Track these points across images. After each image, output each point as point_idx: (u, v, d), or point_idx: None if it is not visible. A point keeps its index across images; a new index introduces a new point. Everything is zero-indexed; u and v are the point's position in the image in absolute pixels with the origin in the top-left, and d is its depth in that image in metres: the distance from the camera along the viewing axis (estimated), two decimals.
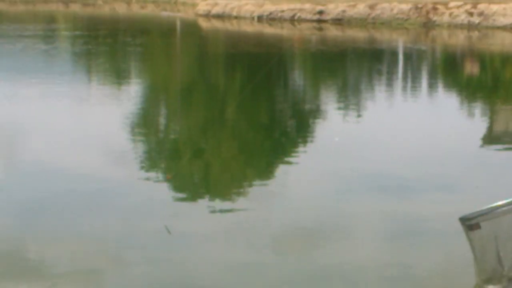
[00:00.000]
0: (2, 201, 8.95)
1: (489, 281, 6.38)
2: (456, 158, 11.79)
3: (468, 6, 30.11)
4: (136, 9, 42.03)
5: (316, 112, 15.86)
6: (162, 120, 15.43)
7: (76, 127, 13.75)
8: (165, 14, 39.52)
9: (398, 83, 20.10)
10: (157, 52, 26.40)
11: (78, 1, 46.66)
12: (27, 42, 26.48)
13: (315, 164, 11.60)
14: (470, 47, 26.19)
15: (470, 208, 6.49)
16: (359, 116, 15.47)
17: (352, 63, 22.92)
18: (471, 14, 29.63)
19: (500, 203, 6.19)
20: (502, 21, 28.93)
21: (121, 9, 41.98)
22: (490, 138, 13.66)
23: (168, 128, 14.55)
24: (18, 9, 42.30)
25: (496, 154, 12.37)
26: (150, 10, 41.19)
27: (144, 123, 14.74)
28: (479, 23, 29.09)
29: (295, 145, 13.06)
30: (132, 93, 18.26)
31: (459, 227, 6.41)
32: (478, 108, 17.05)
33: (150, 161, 11.79)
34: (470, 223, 6.23)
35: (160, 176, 10.91)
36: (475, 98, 18.06)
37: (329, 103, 17.08)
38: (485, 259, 6.36)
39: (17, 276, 6.80)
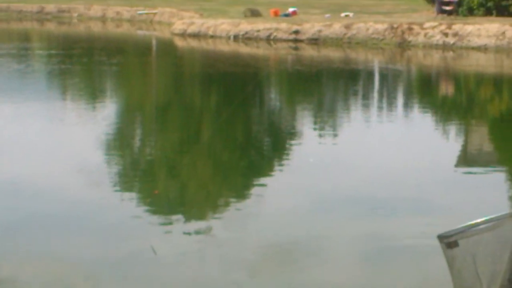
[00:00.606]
0: None
1: None
2: (431, 178, 11.86)
3: (443, 27, 30.28)
4: (111, 28, 41.96)
5: (292, 133, 15.91)
6: (137, 140, 15.43)
7: (50, 147, 13.72)
8: (141, 33, 39.53)
9: (374, 103, 20.18)
10: (133, 71, 26.40)
11: (53, 20, 46.46)
12: (0, 61, 26.36)
13: (290, 185, 11.66)
14: (445, 68, 26.31)
15: (445, 228, 6.52)
16: (335, 136, 15.53)
17: (328, 83, 23.01)
18: (446, 34, 29.79)
19: (478, 220, 6.24)
20: (477, 41, 29.11)
21: (96, 27, 41.92)
22: (465, 159, 13.77)
23: (143, 148, 14.57)
24: None
25: (470, 175, 12.46)
26: (125, 29, 41.15)
27: (120, 143, 14.74)
28: (453, 44, 29.26)
29: (270, 165, 13.09)
30: (107, 113, 18.24)
31: (435, 247, 6.44)
32: (453, 128, 17.14)
33: (125, 181, 11.78)
34: (448, 241, 6.28)
35: (134, 196, 10.91)
36: (450, 119, 18.15)
37: (305, 123, 17.14)
38: (463, 277, 6.42)
39: None
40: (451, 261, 6.31)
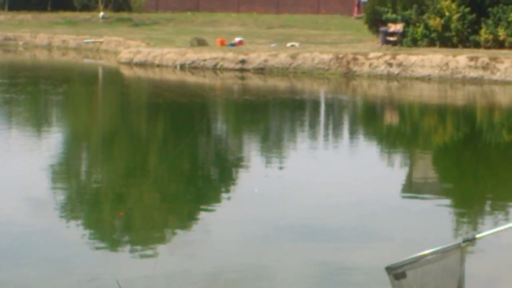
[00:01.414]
0: None
1: None
2: (377, 206, 11.94)
3: (387, 57, 30.58)
4: (57, 56, 41.75)
5: (238, 163, 15.95)
6: (83, 169, 15.34)
7: None
8: (87, 61, 39.38)
9: (320, 133, 20.28)
10: (78, 100, 26.29)
11: None
12: None
13: (236, 214, 11.68)
14: (390, 97, 26.57)
15: (392, 255, 6.58)
16: (281, 166, 15.57)
17: (274, 113, 23.09)
18: (390, 65, 30.10)
19: (426, 252, 6.32)
20: (420, 72, 29.46)
21: (42, 56, 41.66)
22: (410, 186, 13.88)
23: (89, 177, 14.49)
24: None
25: (416, 202, 12.60)
26: (71, 57, 40.95)
27: (65, 172, 14.66)
28: (398, 74, 29.59)
29: (216, 195, 13.15)
30: (53, 142, 18.12)
31: (382, 276, 6.50)
32: (398, 157, 17.31)
33: (70, 210, 11.71)
34: (396, 272, 6.36)
35: (79, 224, 10.88)
36: (395, 148, 18.31)
37: (252, 153, 17.18)
38: None
39: None
40: None
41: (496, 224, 10.06)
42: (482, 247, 9.18)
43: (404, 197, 12.83)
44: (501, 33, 33.35)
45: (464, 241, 6.43)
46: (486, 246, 9.17)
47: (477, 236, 7.02)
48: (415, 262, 6.35)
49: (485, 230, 8.48)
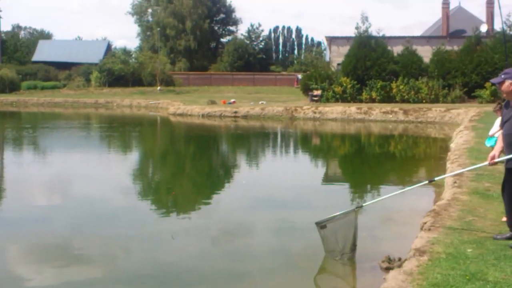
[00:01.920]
0: None
1: (332, 254, 6.53)
2: (309, 189, 11.95)
3: (313, 108, 30.78)
4: (135, 111, 41.57)
5: (234, 167, 15.95)
6: (151, 171, 15.30)
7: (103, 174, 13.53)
8: (151, 114, 39.19)
9: (278, 150, 20.33)
10: (147, 134, 26.24)
11: (102, 107, 46.02)
12: (71, 130, 26.11)
13: (234, 193, 11.65)
14: (315, 130, 26.59)
15: (318, 216, 6.59)
16: (257, 169, 15.57)
17: (253, 139, 23.11)
18: (315, 112, 30.24)
19: (337, 213, 6.36)
20: (331, 116, 29.59)
21: (126, 111, 41.47)
22: (327, 178, 13.88)
23: (154, 176, 14.44)
24: (69, 112, 41.54)
25: (330, 187, 12.60)
26: (143, 112, 40.80)
27: (140, 173, 14.61)
28: (319, 117, 29.69)
29: (223, 184, 13.17)
30: (134, 157, 18.18)
31: (313, 226, 6.53)
32: (319, 162, 17.34)
33: (144, 194, 11.68)
34: (321, 225, 6.39)
35: (148, 199, 10.85)
36: (318, 157, 18.37)
37: (241, 161, 17.19)
38: (329, 243, 6.52)
39: None
40: (322, 236, 6.47)
41: (374, 197, 10.09)
42: (368, 210, 9.25)
43: (323, 184, 12.88)
44: (374, 94, 33.58)
45: (357, 207, 6.48)
46: (370, 209, 9.26)
47: (364, 204, 7.07)
48: (331, 219, 6.42)
49: (368, 201, 8.50)
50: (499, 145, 5.92)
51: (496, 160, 5.88)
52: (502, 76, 5.67)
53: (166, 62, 68.36)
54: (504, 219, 6.07)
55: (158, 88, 56.09)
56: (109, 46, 79.25)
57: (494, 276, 4.68)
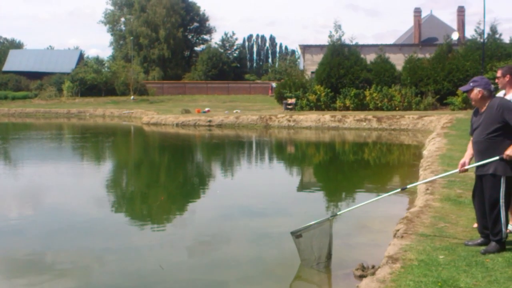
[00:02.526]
0: None
1: (307, 263, 6.56)
2: (285, 198, 11.99)
3: (287, 116, 30.93)
4: (108, 121, 41.22)
5: (209, 177, 15.92)
6: (125, 182, 15.17)
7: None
8: (124, 123, 38.96)
9: (253, 158, 20.34)
10: (120, 145, 26.02)
11: (74, 117, 45.66)
12: (43, 141, 25.75)
13: (209, 203, 11.63)
14: (290, 138, 26.69)
15: (294, 224, 6.61)
16: (232, 177, 15.57)
17: (228, 148, 23.09)
18: (289, 120, 30.37)
19: (312, 222, 6.42)
20: (305, 124, 29.76)
21: (99, 121, 41.10)
22: (302, 186, 13.93)
23: (128, 187, 14.32)
24: (41, 122, 41.01)
25: (305, 194, 12.64)
26: (116, 121, 40.49)
27: (114, 184, 14.47)
28: (293, 125, 29.83)
29: (198, 194, 13.10)
30: (107, 167, 17.97)
31: (290, 235, 6.55)
32: (295, 170, 17.40)
33: (118, 204, 11.60)
34: (296, 234, 6.43)
35: (124, 210, 10.77)
36: (293, 164, 18.44)
37: (216, 170, 17.16)
38: (305, 252, 6.54)
39: None
40: (298, 245, 6.49)
41: (349, 205, 10.15)
42: (343, 218, 9.32)
43: (298, 192, 12.93)
44: (348, 102, 33.86)
45: (331, 216, 6.53)
46: (345, 217, 9.33)
47: (338, 213, 7.12)
48: (306, 228, 6.46)
49: (343, 209, 8.57)
50: (469, 152, 6.04)
51: (467, 167, 6.00)
52: (471, 84, 5.80)
53: (140, 71, 68.17)
54: (475, 225, 6.18)
55: (132, 97, 55.79)
56: (81, 55, 78.54)
57: (466, 282, 4.76)
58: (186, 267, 6.87)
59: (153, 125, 33.59)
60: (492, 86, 5.88)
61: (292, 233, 6.51)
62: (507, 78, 6.36)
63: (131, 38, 75.07)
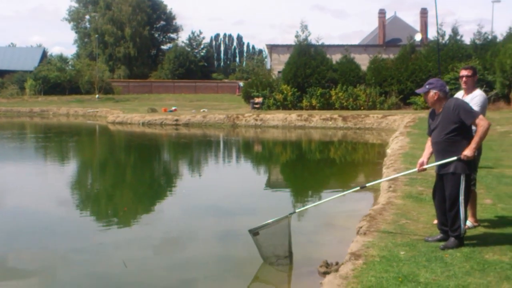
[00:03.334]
0: None
1: (268, 261, 6.60)
2: (252, 196, 12.05)
3: (255, 116, 30.97)
4: (72, 120, 40.56)
5: (176, 176, 15.89)
6: (90, 182, 15.02)
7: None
8: (89, 122, 38.41)
9: (220, 157, 20.35)
10: (85, 144, 25.69)
11: (37, 116, 44.76)
12: (3, 141, 25.21)
13: (175, 202, 11.61)
14: (257, 137, 26.75)
15: (261, 221, 6.68)
16: (199, 176, 15.57)
17: (195, 147, 23.03)
18: (256, 119, 30.44)
19: (270, 220, 6.48)
20: (272, 123, 29.86)
21: (63, 120, 40.36)
22: (269, 184, 14.02)
23: (93, 187, 14.19)
24: (2, 121, 40.11)
25: (273, 193, 12.72)
26: (80, 120, 39.88)
27: (79, 184, 14.32)
28: (260, 124, 29.90)
29: (165, 193, 13.06)
30: (71, 167, 17.75)
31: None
32: (262, 169, 17.48)
33: (83, 205, 11.46)
34: (253, 232, 6.49)
35: (88, 211, 10.68)
36: (260, 163, 18.52)
37: (183, 170, 17.13)
38: (264, 250, 6.59)
39: None
40: (256, 242, 6.54)
41: (313, 203, 10.26)
42: (307, 215, 9.43)
43: (265, 189, 13.00)
44: (314, 102, 34.10)
45: (290, 213, 6.61)
46: (309, 214, 9.43)
47: (297, 210, 7.20)
48: (263, 226, 6.51)
49: (302, 207, 8.67)
50: (427, 151, 6.22)
51: (425, 166, 6.17)
52: (427, 86, 5.96)
53: (105, 70, 67.32)
54: (435, 222, 6.36)
55: (97, 96, 55.09)
56: (44, 53, 77.19)
57: (425, 277, 4.91)
58: (153, 266, 6.87)
59: (119, 124, 33.25)
60: (448, 87, 6.06)
61: (250, 231, 6.55)
62: (475, 78, 6.60)
63: (96, 36, 74.15)
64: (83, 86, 59.63)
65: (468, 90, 6.59)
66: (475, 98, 6.42)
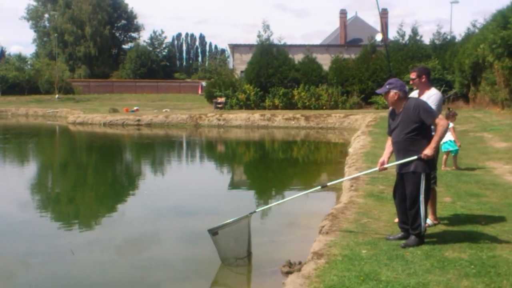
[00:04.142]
0: None
1: (227, 262, 6.57)
2: (215, 196, 12.01)
3: (217, 115, 30.90)
4: (31, 120, 39.75)
5: (138, 176, 15.71)
6: (50, 184, 14.73)
7: None
8: (49, 123, 37.69)
9: (183, 158, 20.22)
10: (45, 145, 25.18)
11: None
12: None
13: (138, 203, 11.50)
14: (220, 137, 26.70)
15: (224, 221, 6.61)
16: (162, 176, 15.45)
17: (158, 147, 22.84)
18: (219, 119, 30.38)
19: (229, 220, 6.45)
20: (235, 123, 29.87)
21: (22, 120, 39.52)
22: (232, 184, 14.00)
23: (53, 188, 13.91)
24: None
25: (235, 192, 12.71)
26: (40, 121, 39.10)
27: (38, 186, 14.02)
28: (223, 124, 29.85)
29: (127, 194, 12.92)
30: (31, 168, 17.38)
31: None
32: (225, 169, 17.45)
33: (43, 207, 11.24)
34: (212, 232, 6.44)
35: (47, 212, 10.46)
36: (224, 163, 18.48)
37: (145, 170, 16.95)
38: (223, 250, 6.57)
39: None
40: (215, 242, 6.49)
41: (271, 202, 10.28)
42: (271, 215, 9.44)
43: (228, 189, 12.98)
44: (276, 101, 34.21)
45: (250, 213, 6.58)
46: (273, 214, 9.45)
47: (257, 210, 7.18)
48: (223, 225, 6.47)
49: (263, 206, 8.67)
50: (387, 151, 6.29)
51: (385, 165, 6.24)
52: (387, 86, 6.02)
53: (65, 69, 66.11)
54: (396, 220, 6.44)
55: (57, 96, 54.07)
56: (2, 53, 75.38)
57: (387, 275, 4.95)
58: (116, 268, 6.78)
59: (79, 125, 32.69)
60: (407, 87, 6.14)
61: (209, 230, 6.48)
62: (423, 79, 6.67)
63: (56, 35, 72.76)
64: (42, 86, 58.48)
65: (421, 91, 6.67)
66: (431, 97, 6.50)
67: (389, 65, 9.40)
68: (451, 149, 11.16)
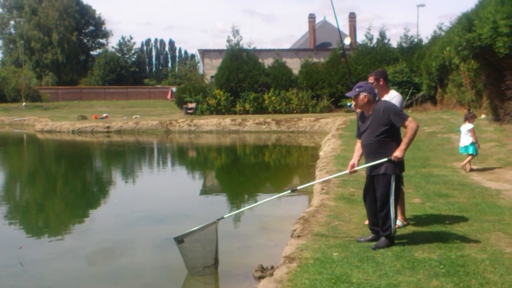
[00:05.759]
0: None
1: (192, 270, 6.49)
2: (187, 202, 11.95)
3: (188, 121, 30.80)
4: None
5: (108, 184, 15.52)
6: (18, 193, 14.45)
7: None
8: (16, 131, 37.05)
9: (155, 164, 20.08)
10: (11, 154, 24.72)
11: None
12: None
13: (109, 211, 11.38)
14: (191, 143, 26.58)
15: (191, 226, 6.54)
16: (134, 183, 15.30)
17: (128, 154, 22.61)
18: (190, 125, 30.27)
19: (196, 228, 6.37)
20: (206, 128, 29.80)
21: None
22: (204, 190, 13.95)
23: (21, 198, 13.65)
24: None
25: (208, 198, 12.66)
26: (6, 129, 38.43)
27: (6, 195, 13.74)
28: (194, 130, 29.78)
29: (97, 203, 12.77)
30: None
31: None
32: (196, 175, 17.37)
33: (11, 217, 11.02)
34: (178, 240, 6.35)
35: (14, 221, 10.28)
36: (195, 169, 18.40)
37: (115, 178, 16.76)
38: (189, 258, 6.47)
39: None
40: (181, 250, 6.40)
41: (243, 207, 10.25)
42: (243, 219, 9.41)
43: (199, 195, 12.92)
44: (247, 106, 34.28)
45: (218, 219, 6.52)
46: (245, 218, 9.43)
47: (225, 216, 7.15)
48: (189, 233, 6.38)
49: (235, 211, 8.63)
50: (357, 153, 6.33)
51: (356, 168, 6.28)
52: (357, 89, 6.07)
53: (32, 77, 65.27)
54: (366, 222, 6.48)
55: (24, 104, 53.20)
56: None
57: (358, 277, 4.98)
58: (88, 278, 6.68)
59: (47, 133, 32.16)
60: (376, 90, 6.20)
61: (175, 238, 6.32)
62: (381, 82, 6.73)
63: (22, 42, 71.66)
64: (9, 94, 57.52)
65: (381, 94, 6.72)
66: (392, 100, 6.56)
67: (350, 76, 9.50)
68: (473, 153, 10.98)
